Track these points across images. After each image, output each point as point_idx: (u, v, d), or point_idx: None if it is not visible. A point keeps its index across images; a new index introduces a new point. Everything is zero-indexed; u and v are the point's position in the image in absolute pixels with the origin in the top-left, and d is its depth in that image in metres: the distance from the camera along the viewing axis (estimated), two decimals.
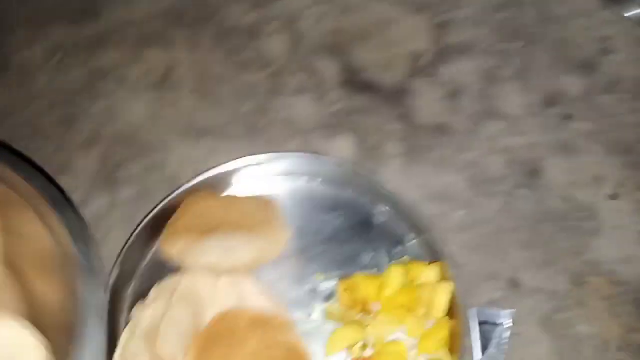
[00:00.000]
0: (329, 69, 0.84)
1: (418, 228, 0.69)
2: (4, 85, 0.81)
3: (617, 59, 0.85)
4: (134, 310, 0.61)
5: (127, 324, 0.61)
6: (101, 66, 0.83)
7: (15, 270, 0.51)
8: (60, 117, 0.79)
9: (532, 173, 0.77)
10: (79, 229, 0.52)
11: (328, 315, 0.65)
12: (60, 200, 0.54)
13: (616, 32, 0.86)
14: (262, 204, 0.66)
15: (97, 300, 0.49)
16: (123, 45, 0.85)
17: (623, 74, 0.84)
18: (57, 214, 0.52)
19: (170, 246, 0.60)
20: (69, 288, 0.49)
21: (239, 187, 0.72)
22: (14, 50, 0.84)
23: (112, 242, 0.70)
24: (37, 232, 0.51)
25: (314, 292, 0.67)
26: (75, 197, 0.73)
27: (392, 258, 0.68)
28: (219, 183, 0.71)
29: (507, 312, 0.67)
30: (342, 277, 0.67)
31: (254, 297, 0.63)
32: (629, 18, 0.88)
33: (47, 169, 0.74)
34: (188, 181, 0.69)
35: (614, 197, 0.75)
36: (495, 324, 0.66)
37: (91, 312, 0.48)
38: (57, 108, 0.80)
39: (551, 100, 0.82)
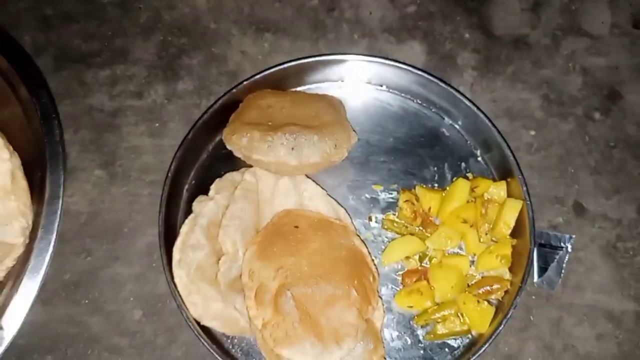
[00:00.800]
0: None
1: (488, 145, 0.66)
2: None
3: None
4: (194, 203, 0.60)
5: (186, 215, 0.61)
6: None
7: None
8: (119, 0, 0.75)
9: (610, 97, 0.72)
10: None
11: (386, 225, 0.64)
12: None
13: None
14: (330, 105, 0.64)
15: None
16: None
17: None
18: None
19: (236, 140, 0.58)
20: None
21: (301, 88, 0.69)
22: None
23: (170, 134, 0.69)
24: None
25: (373, 201, 0.66)
26: (132, 86, 0.71)
27: (455, 174, 0.66)
28: (281, 81, 0.68)
29: (569, 236, 0.65)
30: (403, 189, 0.65)
31: (314, 200, 0.62)
32: None
33: (103, 55, 0.73)
34: (250, 77, 0.66)
35: None
36: (556, 248, 0.65)
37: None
38: None
39: (639, 22, 0.76)
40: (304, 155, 0.58)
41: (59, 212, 0.49)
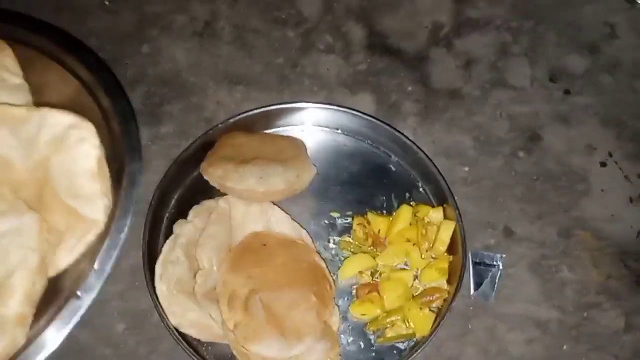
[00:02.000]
0: (357, 32, 0.92)
1: (427, 178, 0.77)
2: (58, 24, 0.88)
3: (619, 43, 0.93)
4: (175, 225, 0.69)
5: (166, 240, 0.70)
6: (149, 13, 0.90)
7: None
8: (108, 57, 0.86)
9: (532, 138, 0.85)
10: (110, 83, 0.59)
11: (342, 246, 0.73)
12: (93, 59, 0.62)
13: (621, 19, 0.94)
14: (292, 143, 0.75)
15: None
16: None
17: (623, 57, 0.92)
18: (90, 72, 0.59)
19: (213, 171, 0.69)
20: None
21: (268, 131, 0.81)
22: None
23: (153, 170, 0.78)
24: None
25: (331, 226, 0.75)
26: None
27: (401, 202, 0.77)
28: (251, 125, 0.79)
29: (500, 256, 0.76)
30: (357, 215, 0.75)
31: (280, 224, 0.71)
32: (635, 6, 0.96)
33: None
34: (225, 121, 0.77)
35: (603, 164, 0.83)
36: (489, 266, 0.75)
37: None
38: (106, 48, 0.87)
39: (555, 76, 0.90)
40: (271, 184, 0.68)
41: (134, 200, 0.53)
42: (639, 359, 0.71)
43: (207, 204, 0.71)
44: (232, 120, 0.77)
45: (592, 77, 0.91)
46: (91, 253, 0.51)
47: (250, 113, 0.78)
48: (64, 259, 0.50)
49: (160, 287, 0.64)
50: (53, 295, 0.50)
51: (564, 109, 0.87)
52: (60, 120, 0.50)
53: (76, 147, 0.50)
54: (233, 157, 0.70)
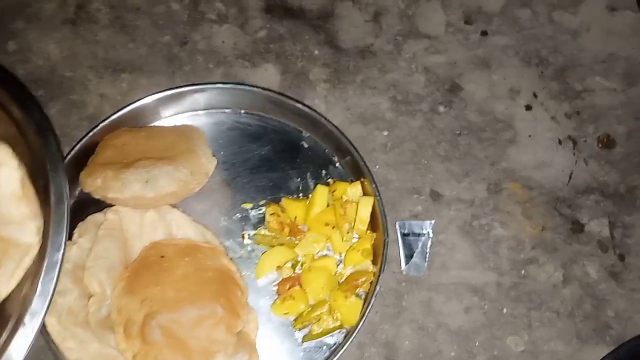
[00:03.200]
0: None
1: (343, 150, 0.71)
2: None
3: None
4: None
5: None
6: (10, 3, 0.78)
7: None
8: None
9: (451, 90, 0.79)
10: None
11: (257, 240, 0.67)
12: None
13: None
14: (184, 134, 0.66)
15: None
16: None
17: None
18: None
19: (91, 182, 0.60)
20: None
21: (160, 122, 0.72)
22: None
23: None
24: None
25: (244, 219, 0.69)
26: None
27: (317, 181, 0.70)
28: (140, 118, 0.70)
29: (429, 222, 0.71)
30: (269, 203, 0.68)
31: (181, 228, 0.64)
32: None
33: None
34: (106, 117, 0.68)
35: (528, 107, 0.78)
36: (418, 235, 0.70)
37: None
38: None
39: (470, 17, 0.83)
40: (160, 187, 0.60)
41: (66, 213, 0.51)
42: (579, 310, 0.68)
43: (93, 218, 0.63)
44: (115, 116, 0.68)
45: (509, 13, 0.84)
46: (31, 276, 0.49)
47: (136, 104, 0.69)
48: (4, 286, 0.49)
49: (50, 321, 0.57)
50: (2, 323, 0.49)
51: (482, 52, 0.81)
52: None
53: None
54: (115, 160, 0.61)
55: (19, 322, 0.47)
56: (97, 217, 0.62)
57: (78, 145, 0.66)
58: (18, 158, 0.52)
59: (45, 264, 0.49)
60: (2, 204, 0.48)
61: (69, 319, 0.57)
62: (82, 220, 0.63)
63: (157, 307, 0.55)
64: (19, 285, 0.50)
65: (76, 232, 0.61)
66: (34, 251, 0.49)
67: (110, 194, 0.59)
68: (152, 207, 0.63)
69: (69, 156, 0.65)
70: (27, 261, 0.49)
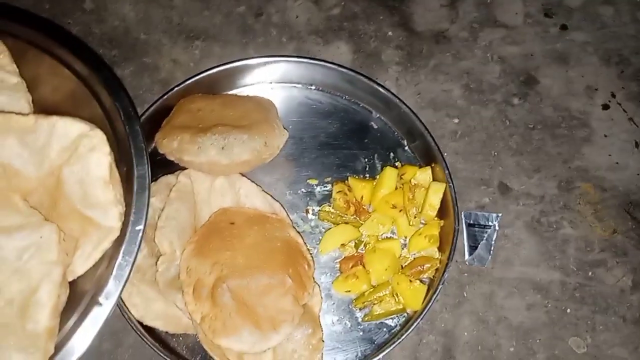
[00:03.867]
0: None
1: (413, 134, 0.69)
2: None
3: None
4: None
5: None
6: None
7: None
8: (47, 17, 0.76)
9: (527, 82, 0.77)
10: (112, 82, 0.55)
11: (322, 217, 0.66)
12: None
13: None
14: (259, 105, 0.66)
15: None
16: None
17: None
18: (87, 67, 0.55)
19: (167, 143, 0.60)
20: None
21: (232, 91, 0.72)
22: None
23: None
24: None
25: (308, 195, 0.68)
26: None
27: (384, 164, 0.69)
28: (213, 86, 0.70)
29: (495, 215, 0.69)
30: (336, 181, 0.68)
31: (250, 197, 0.64)
32: None
33: None
34: (181, 83, 0.68)
35: (605, 107, 0.76)
36: (484, 227, 0.69)
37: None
38: (44, 6, 0.76)
39: (550, 10, 0.81)
40: (235, 154, 0.60)
41: (147, 204, 0.51)
42: None
43: (165, 179, 0.63)
44: (189, 82, 0.68)
45: (591, 9, 0.81)
46: (108, 258, 0.50)
47: (210, 72, 0.68)
48: (80, 266, 0.50)
49: None
50: (72, 301, 0.50)
51: (560, 47, 0.79)
52: (69, 129, 0.49)
53: (87, 156, 0.49)
54: (190, 124, 0.61)
55: (93, 301, 0.48)
56: (169, 178, 0.63)
57: (152, 108, 0.66)
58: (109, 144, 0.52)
59: (122, 248, 0.50)
60: (90, 187, 0.49)
61: (136, 276, 0.57)
62: (155, 180, 0.63)
63: (227, 272, 0.55)
64: (95, 265, 0.51)
65: None
66: (114, 235, 0.50)
67: (186, 156, 0.59)
68: (223, 174, 0.63)
69: (143, 117, 0.65)
70: (106, 244, 0.50)
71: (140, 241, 0.50)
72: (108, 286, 0.48)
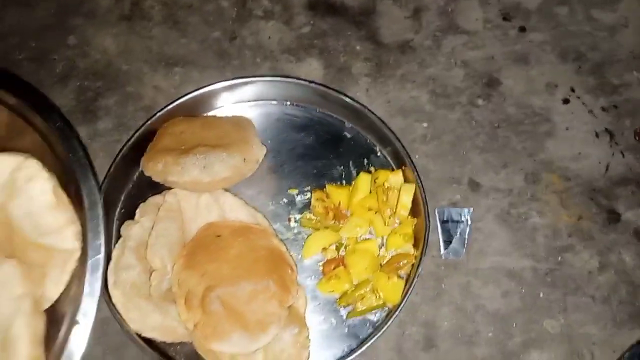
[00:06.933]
0: None
1: (384, 141, 0.74)
2: None
3: None
4: (122, 228, 0.66)
5: (117, 241, 0.66)
6: (68, 1, 0.84)
7: None
8: (33, 54, 0.80)
9: (490, 84, 0.81)
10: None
11: (303, 223, 0.70)
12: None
13: None
14: (237, 124, 0.70)
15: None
16: None
17: None
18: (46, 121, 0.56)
19: (152, 166, 0.64)
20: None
21: (212, 112, 0.76)
22: None
23: (97, 170, 0.74)
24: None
25: (290, 204, 0.72)
26: None
27: (360, 170, 0.73)
28: (193, 108, 0.74)
29: (467, 210, 0.73)
30: (315, 189, 0.72)
31: (234, 210, 0.68)
32: None
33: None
34: (163, 107, 0.72)
35: (566, 101, 0.80)
36: (457, 222, 0.73)
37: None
38: (29, 44, 0.81)
39: (508, 14, 0.86)
40: (215, 172, 0.64)
41: (101, 216, 0.52)
42: (615, 296, 0.70)
43: (153, 200, 0.67)
44: (171, 106, 0.72)
45: (547, 9, 0.86)
46: (77, 278, 0.52)
47: (190, 95, 0.73)
48: (53, 291, 0.51)
49: (115, 294, 0.61)
50: (54, 325, 0.51)
51: (520, 48, 0.84)
52: (1, 166, 0.50)
53: (28, 187, 0.49)
54: (173, 147, 0.66)
55: (72, 321, 0.49)
56: (156, 199, 0.67)
57: (137, 133, 0.71)
58: (47, 169, 0.53)
59: (88, 265, 0.50)
60: (39, 215, 0.49)
61: (132, 292, 0.61)
62: (143, 201, 0.67)
63: (215, 282, 0.59)
64: (67, 287, 0.52)
65: (138, 212, 0.66)
66: (76, 255, 0.51)
67: (170, 177, 0.64)
68: (207, 191, 0.67)
69: (129, 143, 0.70)
70: (71, 265, 0.51)
71: (105, 254, 0.51)
72: (83, 304, 0.49)
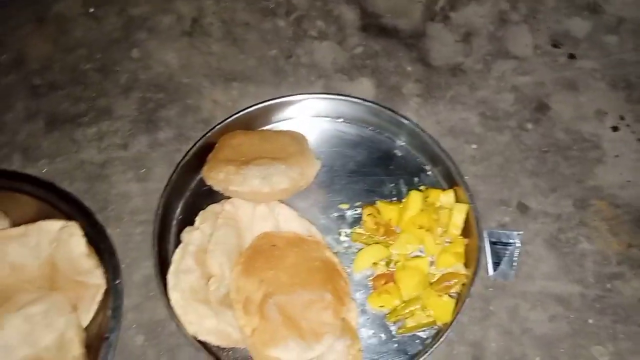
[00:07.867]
0: (349, 15, 0.89)
1: (434, 160, 0.75)
2: (44, 35, 0.87)
3: (620, 0, 0.90)
4: (183, 233, 0.68)
5: (175, 247, 0.68)
6: (134, 16, 0.88)
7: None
8: (98, 65, 0.84)
9: (539, 108, 0.83)
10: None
11: (354, 238, 0.72)
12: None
13: None
14: (293, 138, 0.73)
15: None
16: None
17: (626, 15, 0.89)
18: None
19: (214, 176, 0.67)
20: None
21: (268, 127, 0.79)
22: (51, 1, 0.89)
23: (156, 178, 0.77)
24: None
25: (341, 218, 0.74)
26: (118, 139, 0.79)
27: (410, 187, 0.75)
28: (250, 122, 0.77)
29: (516, 233, 0.74)
30: (366, 205, 0.73)
31: (288, 221, 0.70)
32: None
33: (90, 114, 0.81)
34: (222, 121, 0.75)
35: (615, 129, 0.81)
36: (506, 244, 0.74)
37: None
38: (95, 56, 0.85)
39: (557, 41, 0.87)
40: (274, 183, 0.66)
41: (117, 263, 0.69)
42: None
43: (213, 208, 0.69)
44: (229, 120, 0.75)
45: (596, 38, 0.88)
46: (102, 308, 0.66)
47: (248, 110, 0.76)
48: (85, 317, 0.65)
49: (175, 296, 0.63)
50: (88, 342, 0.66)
51: (569, 75, 0.85)
52: (52, 226, 0.68)
53: (69, 240, 0.67)
54: (233, 158, 0.68)
55: (101, 337, 0.63)
56: (215, 207, 0.69)
57: (197, 145, 0.73)
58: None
59: (111, 295, 0.66)
60: (76, 261, 0.66)
61: (190, 295, 0.63)
62: (202, 209, 0.70)
63: (273, 289, 0.60)
64: (94, 316, 0.66)
65: (198, 219, 0.68)
66: (102, 289, 0.66)
67: (232, 186, 0.66)
68: (264, 202, 0.69)
69: (189, 153, 0.73)
70: (99, 297, 0.66)
71: (122, 288, 0.66)
72: (109, 324, 0.64)
